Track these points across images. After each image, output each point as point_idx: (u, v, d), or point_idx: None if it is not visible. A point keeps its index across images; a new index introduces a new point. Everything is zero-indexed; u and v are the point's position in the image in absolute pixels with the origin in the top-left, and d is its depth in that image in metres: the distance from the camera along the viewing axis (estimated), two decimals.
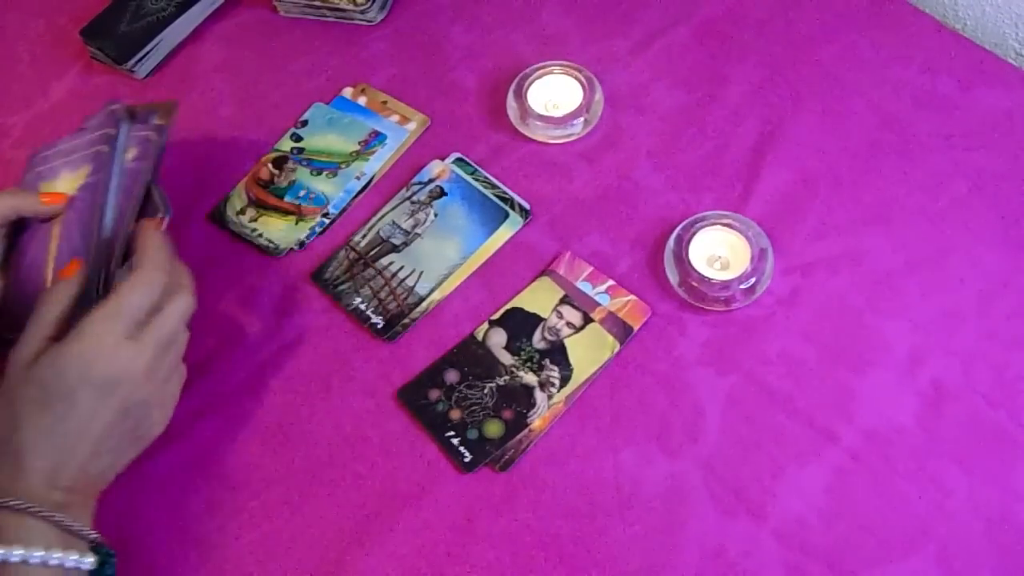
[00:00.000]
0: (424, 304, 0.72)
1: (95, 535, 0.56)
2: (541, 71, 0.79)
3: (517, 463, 0.65)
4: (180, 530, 0.65)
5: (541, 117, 0.77)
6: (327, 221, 0.77)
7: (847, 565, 0.59)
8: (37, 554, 0.52)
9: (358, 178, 0.78)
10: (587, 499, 0.64)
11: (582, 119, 0.78)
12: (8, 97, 0.89)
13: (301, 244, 0.76)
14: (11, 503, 0.53)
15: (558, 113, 0.78)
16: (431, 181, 0.77)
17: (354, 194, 0.78)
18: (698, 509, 0.62)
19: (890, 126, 0.75)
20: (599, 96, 0.79)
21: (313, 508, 0.65)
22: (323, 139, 0.81)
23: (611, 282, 0.71)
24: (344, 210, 0.77)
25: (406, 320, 0.72)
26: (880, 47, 0.79)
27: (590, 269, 0.72)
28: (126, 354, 0.56)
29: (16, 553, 0.52)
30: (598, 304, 0.70)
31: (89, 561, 0.54)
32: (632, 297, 0.70)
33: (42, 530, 0.53)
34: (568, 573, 0.61)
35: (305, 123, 0.82)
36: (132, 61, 0.86)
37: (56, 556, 0.53)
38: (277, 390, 0.70)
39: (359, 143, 0.80)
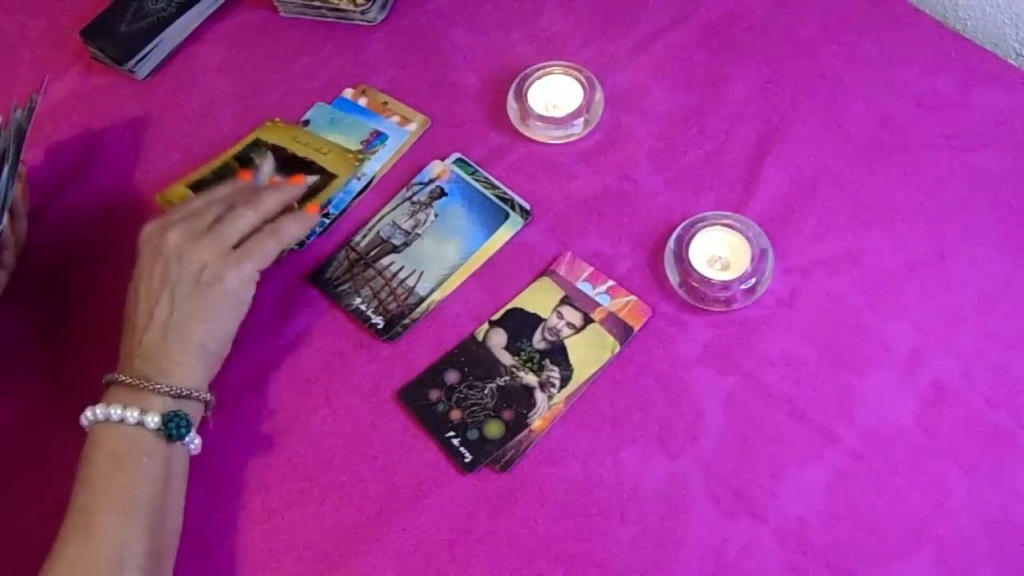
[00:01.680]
0: (424, 304, 0.72)
1: (197, 393, 0.62)
2: (541, 71, 0.79)
3: (517, 463, 0.65)
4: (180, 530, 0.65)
5: (541, 117, 0.77)
6: (327, 221, 0.77)
7: (847, 565, 0.60)
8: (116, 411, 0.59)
9: (358, 178, 0.78)
10: (587, 499, 0.64)
11: (582, 119, 0.78)
12: (8, 97, 0.89)
13: (301, 244, 0.76)
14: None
15: (558, 113, 0.78)
16: (431, 181, 0.77)
17: (354, 194, 0.78)
18: (698, 509, 0.62)
19: (890, 126, 0.75)
20: (599, 96, 0.79)
21: (313, 508, 0.65)
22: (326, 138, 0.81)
23: (611, 282, 0.71)
24: (344, 210, 0.77)
25: (406, 320, 0.72)
26: (880, 47, 0.79)
27: (590, 269, 0.72)
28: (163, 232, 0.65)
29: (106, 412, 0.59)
30: (598, 304, 0.70)
31: (155, 420, 0.59)
32: (632, 297, 0.70)
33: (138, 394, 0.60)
34: (568, 573, 0.61)
35: (307, 123, 0.82)
36: (132, 61, 0.86)
37: (118, 412, 0.59)
38: (277, 390, 0.70)
39: (361, 143, 0.80)
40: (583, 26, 0.84)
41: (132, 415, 0.58)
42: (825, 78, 0.78)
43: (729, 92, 0.79)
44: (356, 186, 0.78)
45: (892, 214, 0.72)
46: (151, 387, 0.60)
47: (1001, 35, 0.84)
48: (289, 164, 0.77)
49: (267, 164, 0.76)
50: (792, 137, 0.76)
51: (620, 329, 0.69)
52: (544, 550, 0.62)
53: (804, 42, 0.80)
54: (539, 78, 0.79)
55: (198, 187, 0.76)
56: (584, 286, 0.71)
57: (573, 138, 0.78)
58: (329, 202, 0.76)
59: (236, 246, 0.65)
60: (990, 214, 0.71)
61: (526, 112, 0.78)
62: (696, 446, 0.64)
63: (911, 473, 0.62)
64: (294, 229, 0.68)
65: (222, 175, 0.77)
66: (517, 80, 0.79)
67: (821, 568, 0.60)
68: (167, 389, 0.60)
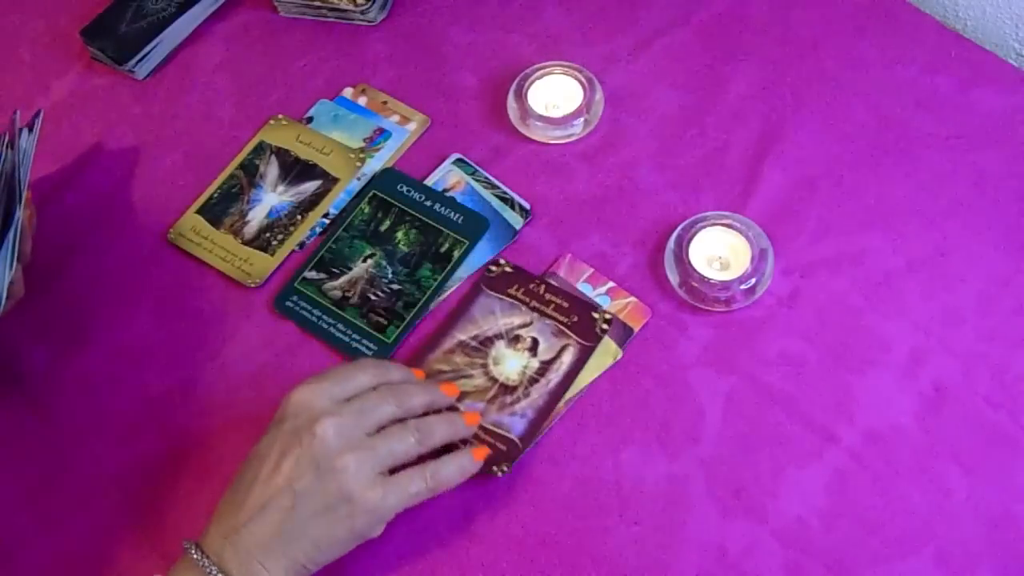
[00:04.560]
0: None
1: None
2: (541, 71, 0.79)
3: (517, 463, 0.65)
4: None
5: (541, 117, 0.77)
6: (327, 221, 0.77)
7: (847, 565, 0.60)
8: None
9: (358, 179, 0.78)
10: (587, 499, 0.64)
11: (582, 119, 0.78)
12: (8, 97, 0.89)
13: (301, 245, 0.76)
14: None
15: (558, 113, 0.78)
16: (446, 191, 0.77)
17: (354, 194, 0.78)
18: (698, 509, 0.62)
19: (890, 126, 0.75)
20: (599, 96, 0.79)
21: None
22: (328, 135, 0.81)
23: (611, 284, 0.71)
24: (344, 210, 0.77)
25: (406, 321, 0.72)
26: (880, 47, 0.79)
27: (590, 271, 0.72)
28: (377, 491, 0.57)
29: None
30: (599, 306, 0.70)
31: None
32: (632, 299, 0.70)
33: None
34: (568, 573, 0.61)
35: (310, 119, 0.82)
36: (132, 61, 0.86)
37: None
38: (277, 390, 0.70)
39: (364, 140, 0.80)
40: (583, 26, 0.84)
41: None
42: (825, 78, 0.78)
43: (729, 92, 0.79)
44: (356, 186, 0.78)
45: (892, 214, 0.72)
46: None
47: (1001, 35, 0.84)
48: (293, 169, 0.78)
49: (272, 171, 0.75)
50: (792, 137, 0.76)
51: (620, 331, 0.69)
52: (544, 550, 0.62)
53: (804, 42, 0.80)
54: (539, 78, 0.79)
55: (206, 210, 0.77)
56: (584, 287, 0.71)
57: (573, 138, 0.78)
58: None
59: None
60: (990, 214, 0.71)
61: (526, 112, 0.78)
62: (696, 446, 0.64)
63: (911, 473, 0.62)
64: (453, 476, 0.59)
65: (228, 190, 0.78)
66: (517, 80, 0.79)
67: (821, 568, 0.60)
68: None
